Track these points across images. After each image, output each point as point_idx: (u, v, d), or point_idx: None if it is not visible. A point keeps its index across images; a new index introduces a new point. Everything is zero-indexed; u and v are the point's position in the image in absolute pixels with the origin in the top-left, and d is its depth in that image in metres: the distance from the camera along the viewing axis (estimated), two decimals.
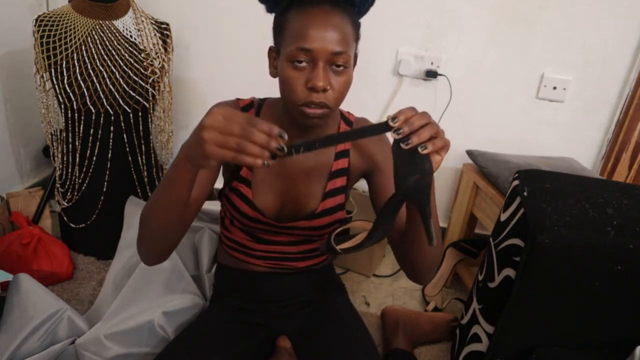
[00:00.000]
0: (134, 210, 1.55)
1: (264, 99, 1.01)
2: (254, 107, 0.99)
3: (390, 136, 0.66)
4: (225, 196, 1.02)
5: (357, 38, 0.88)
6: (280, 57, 0.85)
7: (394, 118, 0.63)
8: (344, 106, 1.05)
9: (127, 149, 1.55)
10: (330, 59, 0.81)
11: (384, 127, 0.64)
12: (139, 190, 1.63)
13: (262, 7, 0.91)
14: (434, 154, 0.66)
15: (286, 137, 0.61)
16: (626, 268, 0.94)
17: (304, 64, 0.81)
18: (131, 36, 1.51)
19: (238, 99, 1.00)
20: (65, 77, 1.43)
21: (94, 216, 1.58)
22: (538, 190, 1.02)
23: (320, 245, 0.89)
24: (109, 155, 1.53)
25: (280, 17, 0.86)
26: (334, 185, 1.00)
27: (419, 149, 0.64)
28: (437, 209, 0.84)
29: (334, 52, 0.80)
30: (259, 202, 0.98)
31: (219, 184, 1.06)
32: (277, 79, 0.88)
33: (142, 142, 1.58)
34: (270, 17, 0.91)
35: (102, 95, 1.46)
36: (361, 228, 0.88)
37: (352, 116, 1.03)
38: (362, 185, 1.76)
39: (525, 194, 1.02)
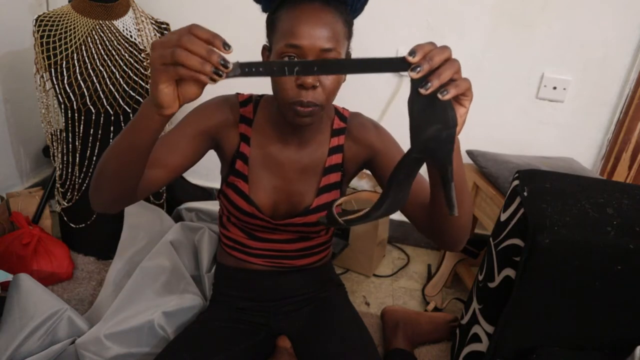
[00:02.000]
0: (133, 210, 1.55)
1: (262, 96, 1.02)
2: (252, 102, 0.99)
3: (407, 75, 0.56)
4: (222, 192, 1.02)
5: (349, 36, 0.88)
6: (271, 55, 0.86)
7: (411, 52, 0.53)
8: (343, 105, 1.05)
9: None
10: (320, 56, 0.81)
11: (399, 63, 0.54)
12: None
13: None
14: (458, 105, 0.59)
15: (231, 49, 0.53)
16: (626, 268, 0.94)
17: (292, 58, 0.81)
18: (131, 36, 1.51)
19: (238, 94, 1.01)
20: (65, 77, 1.43)
21: (94, 216, 1.58)
22: (538, 190, 1.02)
23: (320, 217, 0.83)
24: None
25: (272, 16, 0.86)
26: (328, 180, 1.00)
27: (439, 95, 0.54)
28: None
29: (323, 48, 0.80)
30: (255, 198, 0.99)
31: (219, 184, 1.06)
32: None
33: None
34: None
35: (102, 95, 1.46)
36: (367, 200, 0.78)
37: (346, 111, 1.03)
38: (362, 185, 1.76)
39: (525, 194, 1.02)
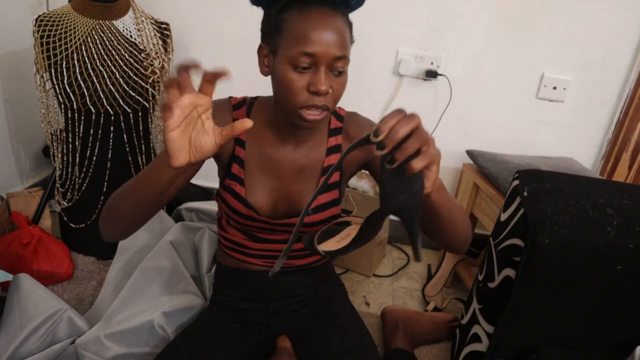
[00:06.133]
0: None
1: (256, 98, 1.01)
2: (245, 104, 0.99)
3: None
4: (220, 196, 1.02)
5: (352, 41, 0.88)
6: (277, 58, 0.84)
7: (376, 131, 0.56)
8: (344, 107, 1.05)
9: (127, 149, 1.55)
10: (332, 63, 0.81)
11: (367, 141, 0.58)
12: None
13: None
14: (425, 170, 0.62)
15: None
16: (626, 268, 0.94)
17: (306, 67, 0.81)
18: (131, 36, 1.50)
19: (230, 97, 1.00)
20: (65, 77, 1.43)
21: (94, 216, 1.58)
22: (538, 190, 1.02)
23: (303, 238, 0.86)
24: (109, 155, 1.53)
25: (278, 17, 0.84)
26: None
27: (405, 171, 0.58)
28: None
29: (336, 56, 0.81)
30: (252, 200, 0.98)
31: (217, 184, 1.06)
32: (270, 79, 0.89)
33: (142, 142, 1.58)
34: None
35: (102, 95, 1.46)
36: (355, 223, 0.86)
37: (342, 111, 1.03)
38: (362, 185, 1.76)
39: (525, 194, 1.02)
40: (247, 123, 0.65)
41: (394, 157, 0.57)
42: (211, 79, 0.64)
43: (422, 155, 0.58)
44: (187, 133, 0.66)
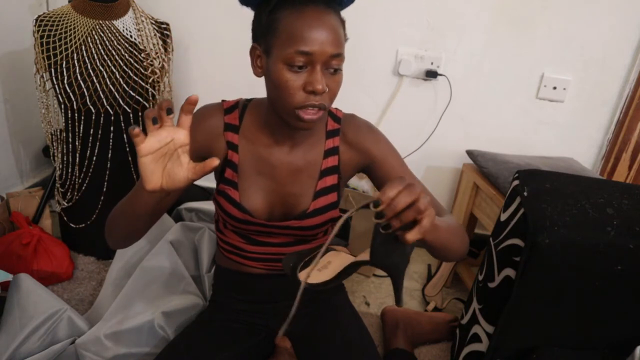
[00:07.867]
0: None
1: (250, 100, 1.00)
2: (238, 108, 0.98)
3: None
4: (215, 200, 1.01)
5: (346, 38, 0.87)
6: (271, 58, 0.83)
7: (376, 202, 0.59)
8: (344, 107, 1.05)
9: (127, 149, 1.55)
10: (327, 61, 0.81)
11: (365, 208, 0.62)
12: None
13: None
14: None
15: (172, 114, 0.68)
16: (626, 268, 0.94)
17: (301, 66, 0.80)
18: (131, 36, 1.50)
19: (223, 101, 0.99)
20: (65, 77, 1.43)
21: (94, 216, 1.58)
22: (538, 190, 1.02)
23: (284, 262, 0.85)
24: (109, 155, 1.53)
25: (270, 16, 0.83)
26: (324, 183, 0.99)
27: (400, 238, 0.60)
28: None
29: (331, 54, 0.80)
30: (247, 204, 0.97)
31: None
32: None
33: None
34: None
35: (102, 95, 1.46)
36: (337, 251, 0.87)
37: (340, 112, 1.02)
38: (362, 185, 1.76)
39: (525, 194, 1.02)
40: (215, 162, 0.68)
41: (389, 224, 0.60)
42: (187, 109, 0.68)
43: (417, 228, 0.60)
44: (162, 162, 0.69)
